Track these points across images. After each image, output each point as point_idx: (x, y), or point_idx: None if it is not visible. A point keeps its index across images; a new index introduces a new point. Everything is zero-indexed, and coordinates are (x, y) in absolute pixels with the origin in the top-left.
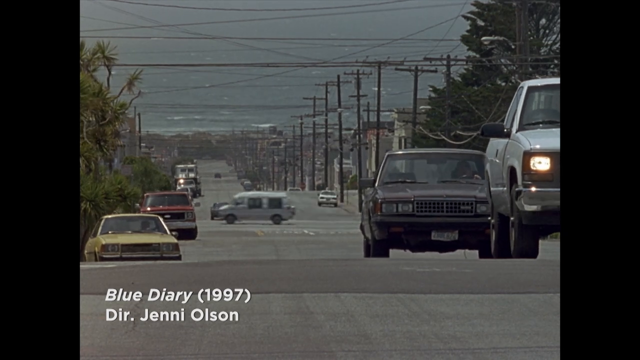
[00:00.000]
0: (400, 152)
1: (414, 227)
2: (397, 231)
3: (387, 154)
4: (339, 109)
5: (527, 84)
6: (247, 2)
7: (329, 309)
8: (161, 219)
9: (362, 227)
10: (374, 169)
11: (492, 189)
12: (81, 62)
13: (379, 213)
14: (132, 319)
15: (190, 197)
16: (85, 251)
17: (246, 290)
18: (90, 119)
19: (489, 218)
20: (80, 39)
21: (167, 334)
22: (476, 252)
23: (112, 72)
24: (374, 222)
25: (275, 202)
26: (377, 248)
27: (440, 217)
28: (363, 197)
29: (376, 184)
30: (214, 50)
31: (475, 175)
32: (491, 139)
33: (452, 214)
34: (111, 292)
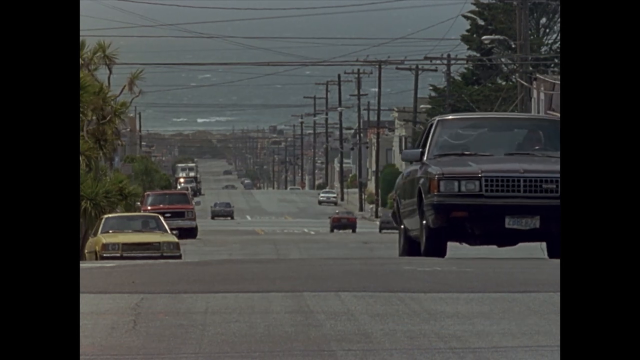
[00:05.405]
0: (454, 117)
1: (483, 212)
2: (459, 216)
3: (437, 119)
4: (339, 108)
5: None
6: (247, 1)
7: (329, 308)
8: (162, 218)
9: (394, 215)
10: (374, 168)
11: None
12: (82, 61)
13: (435, 193)
14: (133, 318)
15: (190, 196)
16: (86, 250)
17: (246, 289)
18: (91, 117)
19: None
20: (81, 38)
21: (167, 333)
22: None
23: (113, 71)
24: (428, 205)
25: None
26: (431, 240)
27: (517, 198)
28: (401, 177)
29: (424, 157)
30: (214, 50)
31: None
32: None
33: (533, 195)
34: (112, 291)
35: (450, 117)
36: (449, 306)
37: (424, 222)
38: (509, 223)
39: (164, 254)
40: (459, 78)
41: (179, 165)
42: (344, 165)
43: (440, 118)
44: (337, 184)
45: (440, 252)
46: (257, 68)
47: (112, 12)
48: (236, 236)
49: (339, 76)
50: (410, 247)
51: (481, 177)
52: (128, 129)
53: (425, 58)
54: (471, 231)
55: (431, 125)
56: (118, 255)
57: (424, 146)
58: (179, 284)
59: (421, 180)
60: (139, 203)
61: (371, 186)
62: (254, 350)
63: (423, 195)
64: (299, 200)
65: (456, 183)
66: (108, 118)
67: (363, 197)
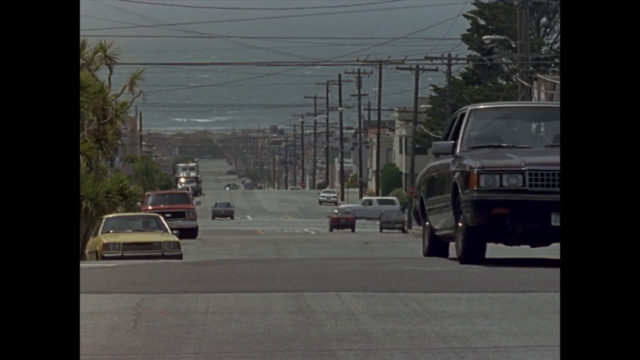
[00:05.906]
0: (488, 107)
1: (527, 208)
2: (501, 213)
3: (469, 108)
4: (339, 108)
5: None
6: (248, 1)
7: (329, 308)
8: (162, 218)
9: (416, 213)
10: (374, 167)
11: None
12: (82, 61)
13: (475, 188)
14: (133, 318)
15: (191, 196)
16: (87, 250)
17: (247, 289)
18: (92, 118)
19: None
20: (81, 38)
21: (168, 332)
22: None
23: (114, 71)
24: (467, 201)
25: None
26: (470, 241)
27: None
28: (425, 171)
29: (457, 150)
30: (214, 50)
31: None
32: None
33: None
34: (112, 291)
35: (482, 106)
36: (449, 306)
37: (460, 223)
38: (556, 220)
39: (165, 254)
40: (460, 78)
41: (180, 165)
42: (344, 165)
43: (472, 107)
44: (337, 184)
45: (480, 256)
46: (257, 68)
47: (112, 12)
48: (237, 236)
49: (339, 76)
50: (437, 247)
51: (525, 170)
52: (128, 129)
53: (426, 58)
54: (512, 229)
55: (462, 115)
56: (119, 255)
57: (454, 138)
58: (179, 284)
59: (456, 175)
60: (139, 203)
61: (372, 186)
62: (254, 350)
63: (460, 191)
64: (300, 200)
65: (497, 177)
66: (109, 118)
67: (364, 197)
